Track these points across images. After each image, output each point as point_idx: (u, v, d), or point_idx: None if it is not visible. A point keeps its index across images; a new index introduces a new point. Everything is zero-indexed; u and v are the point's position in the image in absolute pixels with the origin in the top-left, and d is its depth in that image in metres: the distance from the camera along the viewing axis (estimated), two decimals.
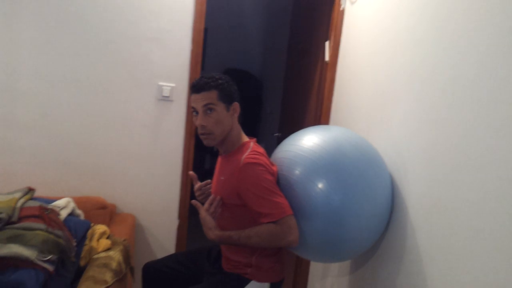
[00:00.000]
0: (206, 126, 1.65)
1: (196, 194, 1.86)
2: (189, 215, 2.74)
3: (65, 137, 2.46)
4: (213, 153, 4.91)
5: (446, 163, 1.30)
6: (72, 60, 2.40)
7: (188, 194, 2.70)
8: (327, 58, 2.47)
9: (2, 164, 2.40)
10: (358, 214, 1.52)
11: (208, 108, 1.64)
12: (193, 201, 1.71)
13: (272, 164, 1.67)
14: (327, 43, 2.48)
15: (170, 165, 2.64)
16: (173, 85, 2.53)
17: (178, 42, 2.50)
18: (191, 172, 1.87)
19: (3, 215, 1.75)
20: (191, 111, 1.73)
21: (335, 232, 1.55)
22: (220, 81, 1.65)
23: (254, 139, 1.78)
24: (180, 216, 2.72)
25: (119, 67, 2.46)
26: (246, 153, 1.63)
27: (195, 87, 1.66)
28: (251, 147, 1.67)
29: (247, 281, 1.68)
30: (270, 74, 4.89)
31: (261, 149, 1.70)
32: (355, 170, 1.53)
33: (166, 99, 2.53)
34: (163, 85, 2.52)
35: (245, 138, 1.76)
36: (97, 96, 2.46)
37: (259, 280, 1.69)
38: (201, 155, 2.06)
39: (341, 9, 2.42)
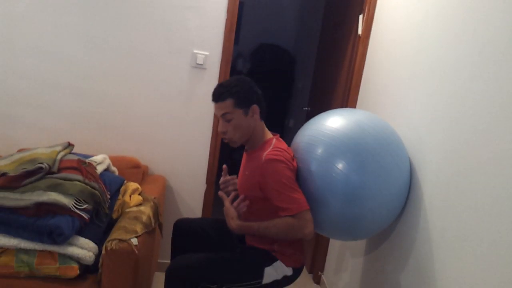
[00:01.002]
0: (226, 132, 1.77)
1: (221, 186, 1.97)
2: (216, 182, 2.84)
3: (104, 99, 2.58)
4: None
5: (462, 156, 1.34)
6: (112, 26, 2.50)
7: (216, 161, 2.79)
8: (360, 31, 2.48)
9: (45, 121, 2.55)
10: (375, 194, 1.60)
11: (226, 118, 1.74)
12: (220, 192, 1.83)
13: (293, 159, 1.76)
14: (360, 17, 2.49)
15: (201, 131, 2.73)
16: (207, 53, 2.59)
17: (214, 11, 2.55)
18: (224, 166, 1.97)
19: (44, 165, 1.88)
20: (217, 118, 1.81)
21: (354, 210, 1.63)
22: (235, 89, 1.73)
23: (277, 135, 1.86)
24: (208, 181, 2.82)
25: (156, 34, 2.54)
26: (268, 150, 1.71)
27: (213, 97, 1.77)
28: (274, 144, 1.76)
29: (275, 259, 1.79)
30: (303, 49, 4.89)
31: (283, 145, 1.79)
32: (375, 155, 1.60)
33: (200, 66, 2.60)
34: (198, 53, 2.58)
35: (269, 135, 1.84)
36: (134, 61, 2.56)
37: (284, 262, 1.79)
38: None
39: None
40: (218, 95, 1.74)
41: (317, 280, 2.92)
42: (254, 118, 1.78)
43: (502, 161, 1.13)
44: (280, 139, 1.84)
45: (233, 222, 1.70)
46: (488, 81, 1.24)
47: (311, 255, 3.02)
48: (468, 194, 1.27)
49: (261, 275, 1.76)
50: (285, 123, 5.17)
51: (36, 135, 2.53)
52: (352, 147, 1.61)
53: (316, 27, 3.95)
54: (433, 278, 1.42)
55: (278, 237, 1.73)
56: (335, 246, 2.69)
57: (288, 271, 1.80)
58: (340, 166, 1.59)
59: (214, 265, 1.78)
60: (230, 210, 1.73)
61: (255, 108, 1.77)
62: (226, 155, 2.04)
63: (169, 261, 1.97)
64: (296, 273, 1.84)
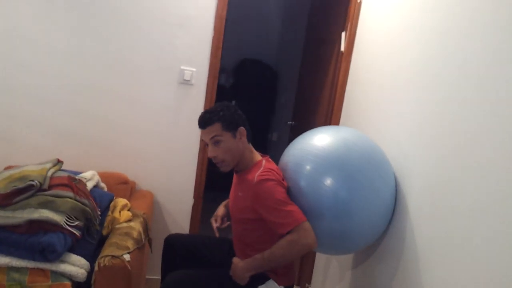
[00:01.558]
0: (217, 156, 1.80)
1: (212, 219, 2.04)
2: (203, 196, 2.87)
3: (92, 116, 2.60)
4: None
5: (445, 167, 1.39)
6: (101, 43, 2.53)
7: (203, 176, 2.82)
8: (342, 48, 2.56)
9: (34, 138, 2.55)
10: (363, 209, 1.66)
11: (215, 141, 1.78)
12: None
13: (283, 179, 1.79)
14: (343, 34, 2.57)
15: (188, 147, 2.75)
16: (194, 69, 2.64)
17: (201, 28, 2.61)
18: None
19: (35, 183, 1.88)
20: (204, 144, 1.85)
21: (342, 225, 1.68)
22: (221, 113, 1.78)
23: (267, 156, 1.90)
24: (195, 196, 2.84)
25: (145, 51, 2.58)
26: (259, 171, 1.75)
27: (200, 123, 1.81)
28: (264, 165, 1.80)
29: (267, 277, 1.81)
30: (286, 64, 4.98)
31: (273, 166, 1.83)
32: (361, 172, 1.66)
33: (187, 82, 2.65)
34: (185, 69, 2.62)
35: (258, 157, 1.89)
36: (123, 78, 2.59)
37: (276, 281, 1.82)
38: None
39: (358, 1, 2.50)
40: (205, 120, 1.78)
41: None
42: (242, 141, 1.82)
43: (485, 172, 1.18)
44: (269, 160, 1.88)
45: (240, 265, 1.70)
46: (470, 94, 1.30)
47: (298, 266, 3.04)
48: (453, 204, 1.32)
49: None
50: (269, 136, 5.23)
51: (24, 152, 2.53)
52: (339, 165, 1.67)
53: (299, 43, 4.03)
54: None
55: (285, 258, 1.68)
56: (322, 257, 2.73)
57: None
58: (327, 183, 1.64)
59: (207, 282, 1.79)
60: (234, 261, 1.74)
61: (242, 130, 1.81)
62: (212, 170, 2.06)
63: (157, 277, 1.97)
64: None
